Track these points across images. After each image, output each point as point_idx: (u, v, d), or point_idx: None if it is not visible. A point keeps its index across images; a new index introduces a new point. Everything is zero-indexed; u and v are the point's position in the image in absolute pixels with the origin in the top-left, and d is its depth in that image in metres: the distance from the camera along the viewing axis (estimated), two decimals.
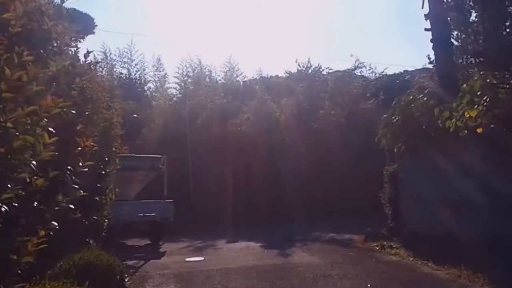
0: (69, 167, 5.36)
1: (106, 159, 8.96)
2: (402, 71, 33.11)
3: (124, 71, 37.57)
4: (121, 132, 9.71)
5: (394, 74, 32.06)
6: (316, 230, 20.22)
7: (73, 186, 5.69)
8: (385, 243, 15.46)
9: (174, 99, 34.10)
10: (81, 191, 5.85)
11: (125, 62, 37.43)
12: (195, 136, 27.14)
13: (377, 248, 15.33)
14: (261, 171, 25.04)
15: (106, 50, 36.87)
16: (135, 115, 23.96)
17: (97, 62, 6.64)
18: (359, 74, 31.79)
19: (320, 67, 33.71)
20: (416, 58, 69.85)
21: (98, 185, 8.33)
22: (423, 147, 14.51)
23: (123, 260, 15.22)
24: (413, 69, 33.37)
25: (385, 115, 16.58)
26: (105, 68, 36.63)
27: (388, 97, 27.69)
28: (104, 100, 7.38)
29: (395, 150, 15.35)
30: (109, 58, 37.10)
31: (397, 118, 15.23)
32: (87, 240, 8.98)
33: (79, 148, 5.38)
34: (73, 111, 5.50)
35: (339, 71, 30.93)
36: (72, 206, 5.66)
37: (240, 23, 56.86)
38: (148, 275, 12.35)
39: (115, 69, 37.19)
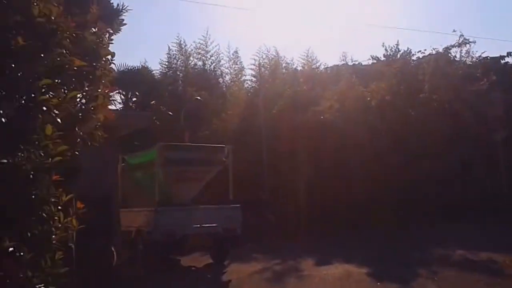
0: None
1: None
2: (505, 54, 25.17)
3: (199, 63, 31.93)
4: (111, 74, 3.61)
5: (497, 56, 24.24)
6: (436, 244, 13.41)
7: None
8: None
9: (250, 90, 28.21)
10: None
11: (199, 54, 31.73)
12: (270, 127, 20.92)
13: None
14: (349, 166, 18.37)
15: (181, 41, 31.29)
16: (198, 97, 17.71)
17: None
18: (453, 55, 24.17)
19: (410, 51, 26.29)
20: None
21: None
22: None
23: None
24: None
25: None
26: (179, 60, 31.66)
27: (499, 79, 20.67)
28: None
29: None
30: (183, 49, 31.54)
31: None
32: None
33: None
34: None
35: (434, 53, 23.45)
36: None
37: (313, 12, 48.79)
38: None
39: (189, 61, 31.78)
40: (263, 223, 16.10)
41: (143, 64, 29.08)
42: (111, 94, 4.33)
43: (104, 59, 4.01)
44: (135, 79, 26.03)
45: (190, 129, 15.19)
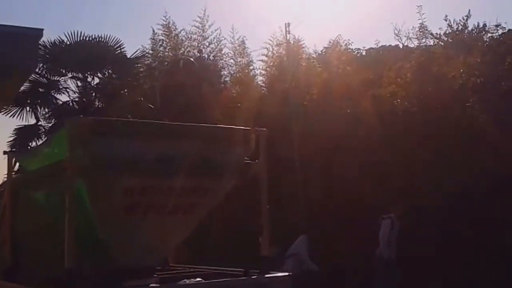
0: None
1: None
2: None
3: (194, 51, 24.66)
4: None
5: None
6: None
7: None
8: None
9: (263, 84, 21.39)
10: None
11: (194, 40, 24.44)
12: (302, 125, 14.16)
13: None
14: (441, 177, 11.31)
15: (169, 22, 23.97)
16: (188, 57, 9.97)
17: None
18: None
19: (484, 26, 19.15)
20: None
21: None
22: None
23: None
24: None
25: None
26: (168, 47, 24.44)
27: None
28: None
29: None
30: (173, 34, 24.27)
31: None
32: None
33: None
34: None
35: None
36: None
37: None
38: None
39: (182, 48, 24.54)
40: None
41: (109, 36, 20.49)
42: None
43: None
44: (97, 55, 18.20)
45: (170, 116, 7.56)
